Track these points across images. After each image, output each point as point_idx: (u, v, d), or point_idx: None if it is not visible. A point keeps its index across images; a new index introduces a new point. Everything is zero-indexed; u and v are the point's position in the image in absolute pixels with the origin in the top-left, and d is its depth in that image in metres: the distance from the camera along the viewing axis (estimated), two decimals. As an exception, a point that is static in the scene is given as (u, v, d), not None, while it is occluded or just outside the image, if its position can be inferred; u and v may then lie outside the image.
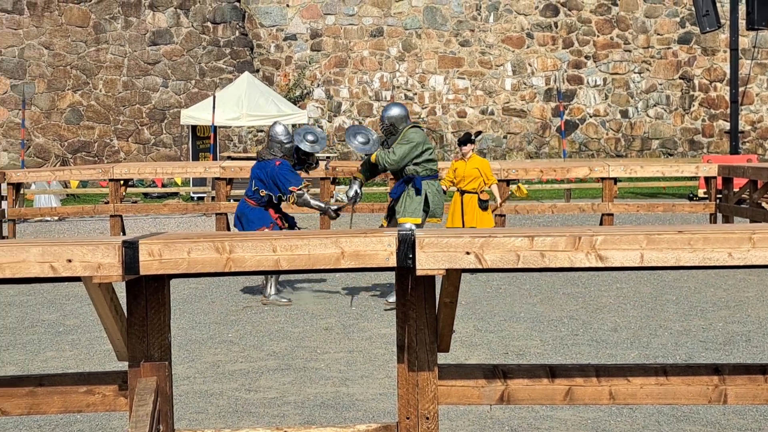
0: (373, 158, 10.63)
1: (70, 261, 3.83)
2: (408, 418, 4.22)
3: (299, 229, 11.19)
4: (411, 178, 10.58)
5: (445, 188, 12.41)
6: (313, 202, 10.99)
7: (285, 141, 10.90)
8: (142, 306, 4.21)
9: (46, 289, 11.65)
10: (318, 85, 30.84)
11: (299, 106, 29.00)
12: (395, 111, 10.82)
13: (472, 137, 12.76)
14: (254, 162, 11.24)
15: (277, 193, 10.76)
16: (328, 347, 8.53)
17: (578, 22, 31.11)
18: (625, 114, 31.33)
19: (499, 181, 16.44)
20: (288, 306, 10.61)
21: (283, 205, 11.05)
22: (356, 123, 30.30)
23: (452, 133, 31.07)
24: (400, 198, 10.65)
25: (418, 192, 10.53)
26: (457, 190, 12.67)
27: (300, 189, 10.67)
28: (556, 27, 31.13)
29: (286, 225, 10.90)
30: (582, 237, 3.85)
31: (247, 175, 18.54)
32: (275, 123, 11.35)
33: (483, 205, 12.46)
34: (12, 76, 28.96)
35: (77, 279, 3.96)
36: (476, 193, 12.47)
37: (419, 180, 10.57)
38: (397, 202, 10.68)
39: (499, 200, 13.18)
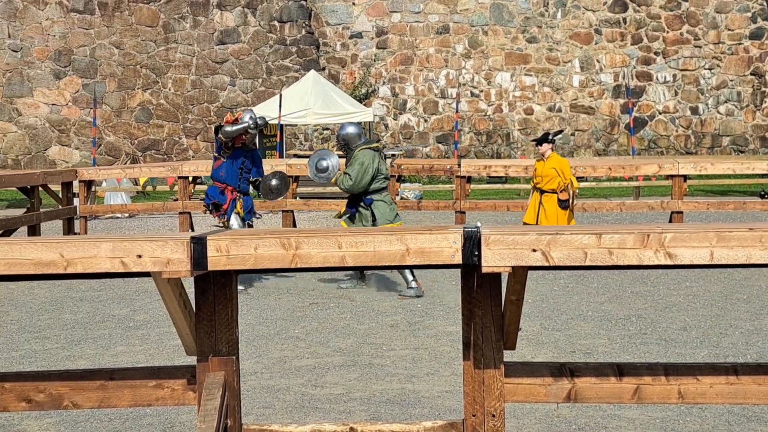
0: (333, 181, 11.49)
1: (140, 256, 3.88)
2: (474, 416, 4.21)
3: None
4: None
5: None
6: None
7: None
8: (210, 301, 4.25)
9: (116, 285, 11.82)
10: (383, 83, 30.87)
11: (365, 104, 29.07)
12: (348, 129, 11.46)
13: (550, 136, 12.57)
14: None
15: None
16: (394, 344, 8.54)
17: (647, 18, 30.74)
18: (695, 111, 30.90)
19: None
20: (244, 294, 11.03)
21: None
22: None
23: (519, 130, 30.90)
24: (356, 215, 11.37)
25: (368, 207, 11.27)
26: (536, 189, 12.52)
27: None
28: (625, 23, 30.79)
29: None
30: (651, 234, 3.81)
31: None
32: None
33: (563, 204, 12.28)
34: (84, 75, 29.44)
35: (147, 274, 4.02)
36: (554, 192, 12.28)
37: (368, 200, 11.27)
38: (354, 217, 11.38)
39: (572, 200, 13.03)
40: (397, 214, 11.42)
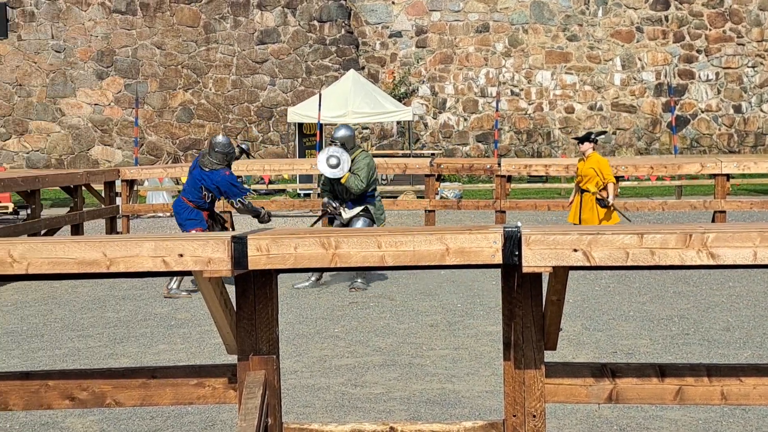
0: (344, 180, 11.48)
1: (181, 256, 3.91)
2: (515, 416, 4.20)
3: (225, 227, 12.23)
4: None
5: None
6: (251, 207, 11.78)
7: (229, 152, 11.56)
8: (251, 300, 4.27)
9: (158, 283, 11.91)
10: (423, 82, 30.85)
11: (404, 103, 29.07)
12: (343, 132, 11.70)
13: (592, 136, 12.43)
14: (194, 166, 11.64)
15: (219, 198, 11.70)
16: (434, 344, 8.53)
17: (689, 16, 30.47)
18: (738, 109, 30.58)
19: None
20: (188, 299, 11.01)
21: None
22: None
23: (559, 129, 30.76)
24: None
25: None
26: (578, 188, 12.42)
27: (245, 198, 11.64)
28: (667, 21, 30.55)
29: (218, 225, 11.84)
30: (693, 234, 3.77)
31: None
32: (216, 135, 11.98)
33: (602, 204, 12.15)
34: (126, 75, 29.70)
35: (188, 273, 4.04)
36: (593, 192, 12.13)
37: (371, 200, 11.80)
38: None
39: (611, 199, 12.81)
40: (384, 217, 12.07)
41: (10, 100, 29.60)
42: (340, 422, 4.57)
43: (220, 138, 11.68)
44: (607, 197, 12.27)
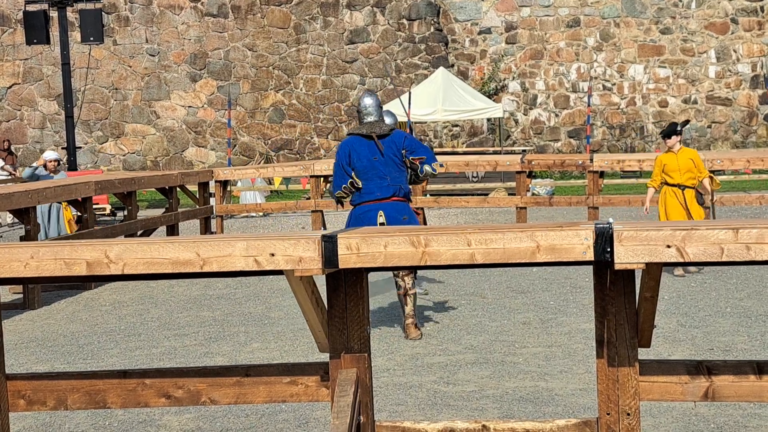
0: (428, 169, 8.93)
1: (273, 255, 3.94)
2: (608, 414, 4.14)
3: None
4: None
5: (655, 188, 11.96)
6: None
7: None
8: (342, 298, 4.30)
9: (251, 283, 12.06)
10: (513, 78, 30.66)
11: (494, 100, 28.93)
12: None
13: (678, 128, 11.86)
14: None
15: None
16: (527, 341, 8.47)
17: (787, 5, 29.73)
18: (838, 99, 29.73)
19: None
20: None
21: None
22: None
23: (653, 123, 30.27)
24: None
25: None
26: (665, 183, 11.80)
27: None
28: (762, 11, 29.83)
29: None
30: (791, 228, 3.68)
31: (443, 170, 18.68)
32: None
33: (700, 200, 11.68)
34: (218, 77, 30.13)
35: (280, 272, 4.08)
36: (693, 187, 11.64)
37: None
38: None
39: (712, 196, 12.22)
40: None
41: (106, 103, 30.27)
42: (432, 420, 4.57)
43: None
44: (709, 194, 11.76)
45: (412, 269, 8.69)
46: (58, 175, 14.94)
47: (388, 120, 9.41)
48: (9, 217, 21.67)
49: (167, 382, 4.33)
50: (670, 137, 11.79)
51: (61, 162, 15.71)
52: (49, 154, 15.39)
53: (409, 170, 8.83)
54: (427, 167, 8.73)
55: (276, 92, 30.18)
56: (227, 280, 12.02)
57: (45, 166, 15.05)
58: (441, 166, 8.92)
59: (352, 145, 8.66)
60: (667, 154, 11.89)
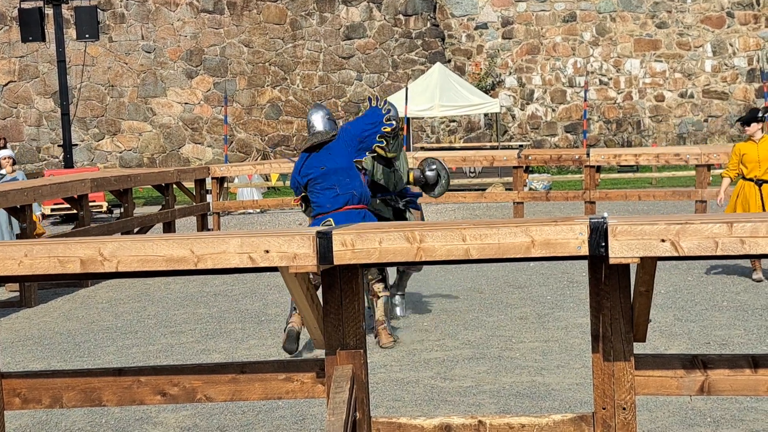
0: (412, 178, 9.47)
1: (267, 252, 3.94)
2: (604, 409, 4.14)
3: None
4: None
5: (731, 179, 11.02)
6: None
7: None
8: (337, 295, 4.29)
9: (248, 280, 12.05)
10: (510, 73, 30.65)
11: (491, 95, 28.92)
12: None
13: (760, 114, 10.74)
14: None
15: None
16: (523, 336, 8.47)
17: (783, -2, 29.73)
18: (835, 92, 29.73)
19: (697, 167, 15.93)
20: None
21: None
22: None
23: (649, 118, 30.28)
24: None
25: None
26: (742, 177, 10.82)
27: None
28: (758, 5, 29.83)
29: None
30: (786, 222, 3.67)
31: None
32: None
33: None
34: (214, 74, 30.10)
35: (275, 269, 4.08)
36: None
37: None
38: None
39: None
40: None
41: (102, 101, 30.24)
42: (429, 416, 4.57)
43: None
44: None
45: (382, 280, 8.59)
46: (19, 175, 14.34)
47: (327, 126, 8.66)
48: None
49: (162, 380, 4.32)
50: (749, 124, 10.74)
51: (16, 161, 15.10)
52: (3, 152, 14.98)
53: (377, 167, 8.77)
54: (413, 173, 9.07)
55: (273, 88, 30.15)
56: (224, 277, 12.01)
57: None
58: (392, 128, 8.37)
59: (303, 159, 8.45)
60: (747, 143, 10.80)
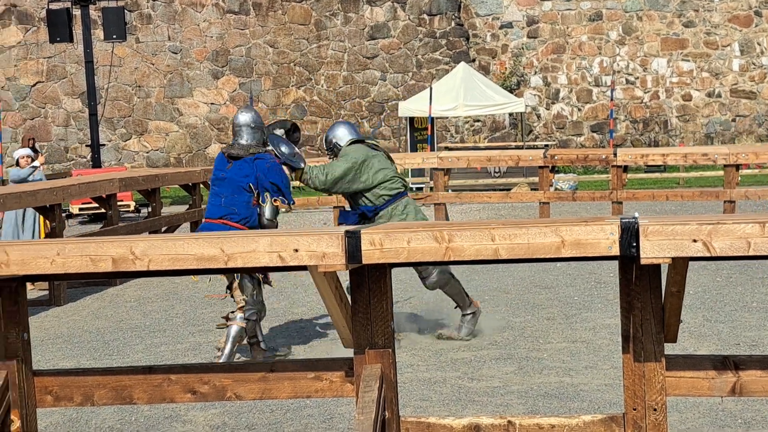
0: (297, 175, 8.44)
1: (296, 251, 3.94)
2: (635, 409, 4.12)
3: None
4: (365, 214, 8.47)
5: None
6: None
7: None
8: (365, 294, 4.29)
9: (275, 278, 12.05)
10: (535, 73, 30.56)
11: (516, 95, 28.85)
12: (338, 130, 8.78)
13: None
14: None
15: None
16: (551, 337, 8.45)
17: (811, -4, 29.49)
18: None
19: (725, 167, 15.82)
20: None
21: None
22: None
23: (677, 117, 30.11)
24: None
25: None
26: None
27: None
28: (787, 2, 29.62)
29: None
30: (819, 222, 3.64)
31: (465, 165, 18.58)
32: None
33: None
34: (240, 74, 30.19)
35: (303, 268, 4.08)
36: None
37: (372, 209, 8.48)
38: None
39: None
40: None
41: (129, 101, 30.39)
42: (457, 416, 4.56)
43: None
44: None
45: (251, 307, 7.89)
46: (24, 171, 14.29)
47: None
48: None
49: (193, 378, 4.34)
50: None
51: (35, 159, 15.10)
52: (21, 151, 15.06)
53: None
54: (267, 205, 7.97)
55: (297, 89, 30.21)
56: (251, 276, 12.02)
57: (17, 163, 14.69)
58: (289, 204, 8.05)
59: (216, 160, 8.26)
60: None
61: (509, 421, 4.29)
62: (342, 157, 8.46)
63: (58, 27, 24.07)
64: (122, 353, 8.55)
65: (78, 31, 25.44)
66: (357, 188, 8.44)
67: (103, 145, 27.67)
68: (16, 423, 4.27)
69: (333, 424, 6.21)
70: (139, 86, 30.34)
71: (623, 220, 3.81)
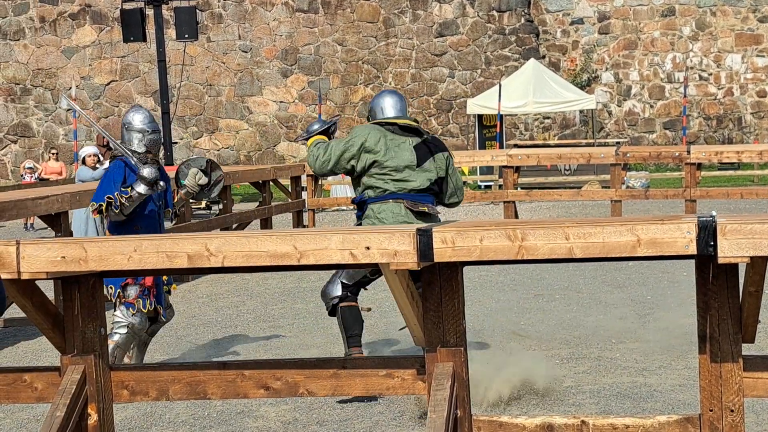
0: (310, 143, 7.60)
1: (368, 248, 3.95)
2: (711, 411, 4.06)
3: None
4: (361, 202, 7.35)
5: None
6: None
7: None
8: (437, 292, 4.28)
9: (344, 276, 12.10)
10: (606, 69, 30.26)
11: (587, 91, 28.60)
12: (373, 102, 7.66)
13: None
14: None
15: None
16: (624, 337, 8.35)
17: None
18: None
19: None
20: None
21: None
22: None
23: (751, 114, 29.60)
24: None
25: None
26: None
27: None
28: None
29: None
30: None
31: (535, 163, 18.41)
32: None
33: None
34: (309, 73, 30.36)
35: (375, 266, 4.08)
36: None
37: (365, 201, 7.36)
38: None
39: None
40: None
41: (201, 99, 30.73)
42: (530, 415, 4.53)
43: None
44: None
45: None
46: (97, 172, 14.09)
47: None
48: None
49: (266, 374, 4.37)
50: None
51: (100, 158, 14.98)
52: (87, 149, 15.22)
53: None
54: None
55: (365, 86, 30.28)
56: (320, 273, 12.08)
57: (84, 161, 14.83)
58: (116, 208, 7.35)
59: None
60: None
61: (582, 421, 4.25)
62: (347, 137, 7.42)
63: (132, 27, 24.41)
64: (195, 349, 8.65)
65: (151, 30, 25.78)
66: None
67: (175, 143, 28.03)
68: (93, 417, 4.34)
69: (403, 421, 6.21)
70: (210, 85, 30.67)
71: (700, 219, 3.75)
